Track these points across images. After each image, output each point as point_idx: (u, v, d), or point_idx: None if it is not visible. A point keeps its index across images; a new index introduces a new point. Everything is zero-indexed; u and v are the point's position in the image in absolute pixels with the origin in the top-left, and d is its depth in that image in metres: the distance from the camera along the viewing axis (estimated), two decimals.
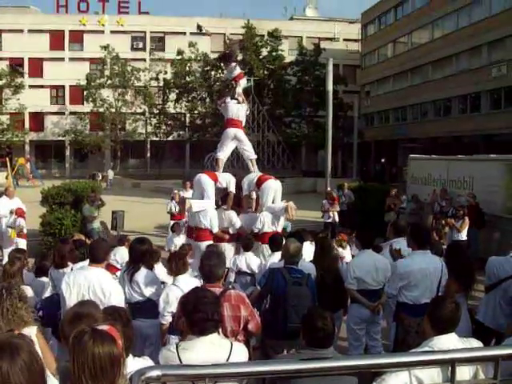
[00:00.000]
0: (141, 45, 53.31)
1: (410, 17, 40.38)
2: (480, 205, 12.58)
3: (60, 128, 50.38)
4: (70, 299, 4.56)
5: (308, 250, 6.94)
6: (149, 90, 47.06)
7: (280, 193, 9.22)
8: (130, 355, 3.01)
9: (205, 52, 44.57)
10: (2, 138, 44.84)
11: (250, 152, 9.87)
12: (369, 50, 48.20)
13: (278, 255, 6.50)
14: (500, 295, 5.52)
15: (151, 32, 53.11)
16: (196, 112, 46.04)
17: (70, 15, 51.74)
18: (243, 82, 10.24)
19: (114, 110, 47.16)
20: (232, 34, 49.29)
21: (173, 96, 45.73)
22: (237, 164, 18.08)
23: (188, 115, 47.85)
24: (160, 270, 6.18)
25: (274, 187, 9.11)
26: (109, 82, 46.27)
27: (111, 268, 6.38)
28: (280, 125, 42.40)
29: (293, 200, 9.30)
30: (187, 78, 44.63)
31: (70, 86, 50.55)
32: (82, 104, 49.09)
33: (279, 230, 9.02)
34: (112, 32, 51.59)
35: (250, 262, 7.05)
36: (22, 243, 11.17)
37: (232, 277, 6.89)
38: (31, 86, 48.95)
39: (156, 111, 47.64)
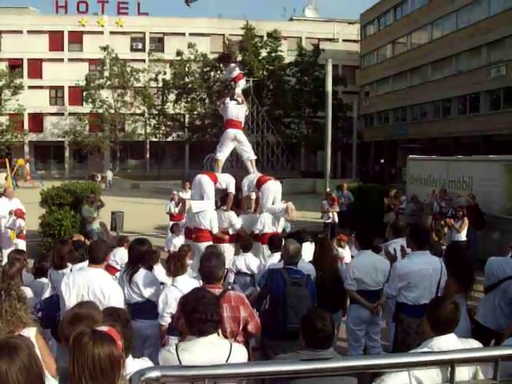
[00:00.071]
0: (140, 46, 53.32)
1: (409, 17, 40.41)
2: (479, 205, 12.58)
3: (59, 129, 50.39)
4: (70, 300, 4.56)
5: (308, 250, 6.94)
6: (148, 91, 47.06)
7: (280, 194, 9.23)
8: (130, 356, 3.01)
9: (204, 53, 44.58)
10: (1, 139, 44.83)
11: (249, 153, 9.87)
12: (368, 50, 48.23)
13: (277, 256, 6.50)
14: (499, 296, 5.51)
15: (150, 33, 53.11)
16: (195, 113, 46.08)
17: (69, 16, 51.71)
18: (242, 83, 10.25)
19: (113, 111, 47.18)
20: (231, 34, 49.32)
21: (172, 97, 45.77)
22: (236, 165, 18.04)
23: (187, 116, 47.86)
24: (159, 270, 6.18)
25: (274, 188, 9.12)
26: (108, 82, 46.29)
27: (111, 269, 6.38)
28: (279, 125, 42.41)
29: (292, 201, 9.30)
30: (186, 79, 44.66)
31: (70, 86, 50.55)
32: (82, 105, 49.07)
33: (279, 230, 9.03)
34: (111, 33, 51.61)
35: (250, 262, 7.06)
36: (22, 244, 11.17)
37: (231, 277, 6.89)
38: (30, 87, 48.94)
39: (155, 112, 47.63)
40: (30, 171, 39.27)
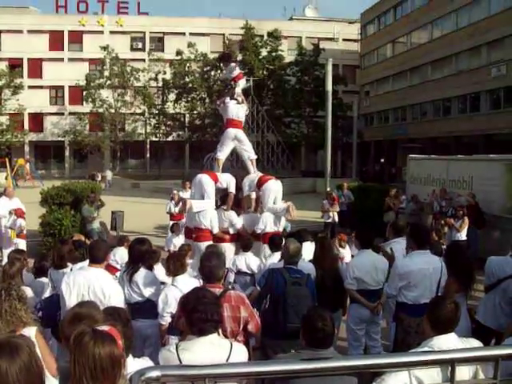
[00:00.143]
0: (140, 45, 53.32)
1: (409, 17, 40.40)
2: (480, 204, 12.58)
3: (59, 128, 50.39)
4: (70, 300, 4.57)
5: (308, 249, 6.94)
6: (148, 91, 47.07)
7: (281, 193, 9.23)
8: (130, 355, 3.01)
9: (204, 52, 44.57)
10: (1, 139, 44.82)
11: (250, 152, 9.87)
12: (368, 50, 48.22)
13: (277, 255, 6.51)
14: (499, 295, 5.51)
15: (150, 32, 53.11)
16: (195, 112, 46.06)
17: (69, 16, 51.71)
18: (242, 83, 10.23)
19: (113, 111, 47.21)
20: (231, 34, 49.31)
21: (172, 96, 45.76)
22: (236, 164, 18.04)
23: (187, 115, 47.85)
24: (160, 270, 6.18)
25: (275, 188, 9.12)
26: (108, 82, 46.31)
27: (111, 268, 6.38)
28: (279, 125, 42.39)
29: (292, 200, 9.31)
30: (186, 79, 44.65)
31: (70, 86, 50.56)
32: (82, 104, 49.07)
33: (281, 230, 9.05)
34: (111, 32, 51.61)
35: (250, 262, 7.06)
36: (22, 244, 11.17)
37: (231, 277, 6.88)
38: (30, 87, 48.94)
39: (155, 111, 47.64)
40: (30, 171, 39.28)
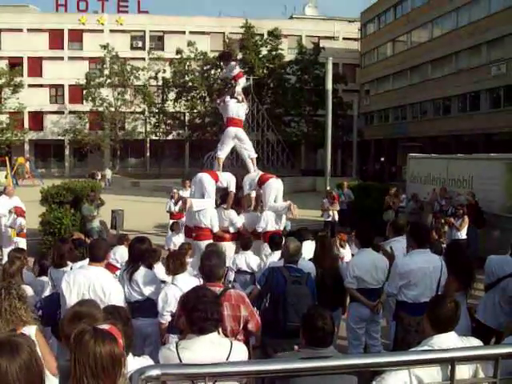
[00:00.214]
0: (140, 44, 53.31)
1: (409, 16, 40.40)
2: (479, 204, 12.59)
3: (59, 127, 50.38)
4: (70, 298, 4.57)
5: (309, 248, 6.95)
6: (148, 89, 47.07)
7: (281, 192, 9.23)
8: (130, 354, 3.01)
9: (204, 51, 44.55)
10: (1, 138, 44.82)
11: (250, 151, 9.85)
12: (368, 48, 48.22)
13: (277, 254, 6.51)
14: (499, 294, 5.52)
15: (150, 31, 53.10)
16: (195, 111, 46.04)
17: (69, 14, 51.69)
18: (242, 81, 10.22)
19: (113, 109, 47.22)
20: (231, 33, 49.29)
21: (172, 95, 45.73)
22: (236, 163, 18.03)
23: (187, 114, 47.84)
24: (160, 269, 6.18)
25: (275, 186, 9.11)
26: (108, 81, 46.31)
27: (111, 267, 6.38)
28: (279, 124, 42.36)
29: (292, 199, 9.30)
30: (186, 77, 44.62)
31: (70, 85, 50.57)
32: (82, 103, 49.08)
33: (281, 228, 9.05)
34: (111, 31, 51.60)
35: (250, 260, 7.06)
36: (22, 243, 11.17)
37: (231, 276, 6.88)
38: (30, 85, 48.96)
39: (155, 110, 47.63)
40: (30, 170, 39.28)
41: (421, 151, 30.05)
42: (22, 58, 50.63)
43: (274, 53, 44.76)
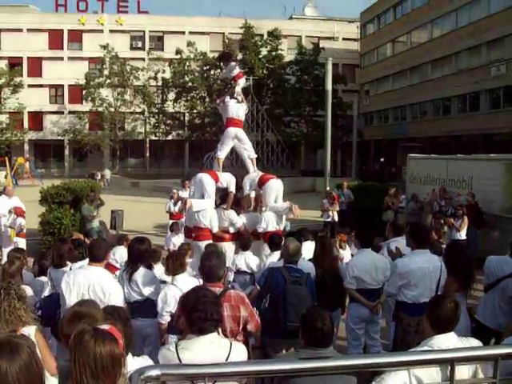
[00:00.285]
0: (140, 44, 53.28)
1: (409, 16, 40.40)
2: (479, 204, 12.59)
3: (59, 127, 50.33)
4: (70, 298, 4.57)
5: (309, 248, 6.95)
6: (148, 90, 47.06)
7: (282, 192, 9.24)
8: (130, 354, 3.01)
9: (204, 51, 44.55)
10: (1, 138, 44.81)
11: (250, 151, 9.86)
12: (368, 49, 48.22)
13: (277, 254, 6.51)
14: (498, 294, 5.52)
15: (150, 31, 53.07)
16: (195, 111, 46.03)
17: (68, 14, 51.65)
18: (242, 82, 10.22)
19: (113, 110, 47.19)
20: (231, 33, 49.27)
21: (172, 95, 45.73)
22: (236, 164, 18.07)
23: (187, 114, 47.83)
24: (161, 269, 6.18)
25: (276, 186, 9.13)
26: (108, 81, 46.28)
27: (111, 267, 6.38)
28: (279, 124, 42.36)
29: (292, 199, 9.32)
30: (186, 78, 44.62)
31: (69, 85, 50.53)
32: (81, 103, 49.03)
33: (282, 229, 9.07)
34: (111, 31, 51.56)
35: (249, 261, 7.06)
36: (22, 243, 11.17)
37: (231, 276, 6.88)
38: (30, 86, 48.90)
39: (155, 110, 47.61)
40: (29, 170, 39.27)
41: (420, 152, 30.06)
42: (21, 58, 50.59)
43: (273, 53, 44.77)
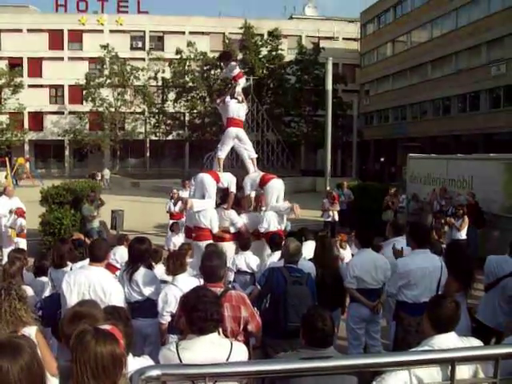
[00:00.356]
0: (140, 44, 53.30)
1: (409, 16, 40.39)
2: (479, 204, 12.59)
3: (59, 128, 50.36)
4: (71, 298, 4.57)
5: (310, 248, 6.95)
6: (148, 90, 47.08)
7: (283, 192, 9.24)
8: (130, 354, 3.01)
9: (204, 51, 44.55)
10: (1, 138, 44.84)
11: (250, 151, 9.86)
12: (368, 49, 48.21)
13: (277, 254, 6.50)
14: (498, 294, 5.53)
15: (150, 31, 53.09)
16: (195, 111, 46.04)
17: (69, 14, 51.67)
18: (243, 82, 10.22)
19: (113, 110, 47.19)
20: (231, 33, 49.27)
21: (172, 95, 45.73)
22: (236, 164, 18.08)
23: (187, 114, 47.83)
24: (161, 269, 6.19)
25: (278, 186, 9.13)
26: (108, 81, 46.29)
27: (111, 267, 6.38)
28: (279, 124, 42.39)
29: (292, 199, 9.32)
30: (186, 78, 44.62)
31: (70, 85, 50.57)
32: (82, 103, 49.05)
33: (283, 228, 9.07)
34: (111, 31, 51.58)
35: (250, 261, 7.06)
36: (23, 243, 11.18)
37: (231, 276, 6.88)
38: (30, 86, 48.92)
39: (155, 110, 47.62)
40: (29, 170, 39.27)
41: (420, 151, 30.05)
42: (21, 58, 50.62)
43: (273, 53, 44.78)
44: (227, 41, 47.08)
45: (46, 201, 13.58)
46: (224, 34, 50.23)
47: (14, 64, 48.90)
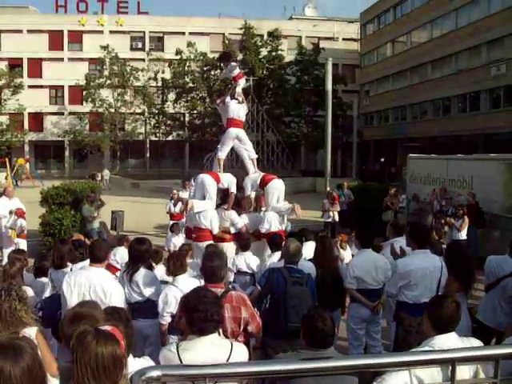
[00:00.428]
0: (140, 45, 53.28)
1: (409, 16, 40.38)
2: (480, 204, 12.59)
3: (59, 128, 50.39)
4: (71, 299, 4.57)
5: (311, 248, 6.95)
6: (148, 90, 47.09)
7: (283, 192, 9.26)
8: (131, 355, 3.01)
9: (204, 52, 44.57)
10: (1, 139, 44.86)
11: (251, 152, 9.87)
12: (368, 49, 48.20)
13: (277, 255, 6.50)
14: (499, 294, 5.52)
15: (150, 32, 53.08)
16: (195, 112, 46.04)
17: (68, 15, 51.67)
18: (243, 82, 10.23)
19: (113, 110, 47.21)
20: (231, 33, 49.27)
21: (172, 96, 45.74)
22: (236, 164, 18.11)
23: (187, 115, 47.84)
24: (162, 270, 6.19)
25: (279, 187, 9.15)
26: (108, 82, 46.31)
27: (111, 268, 6.38)
28: (279, 124, 42.40)
29: (292, 200, 9.33)
30: (186, 78, 44.63)
31: (70, 86, 50.56)
32: (82, 104, 49.05)
33: (284, 229, 9.08)
34: (111, 32, 51.57)
35: (250, 261, 7.06)
36: (23, 244, 11.17)
37: (231, 277, 6.88)
38: (30, 87, 48.91)
39: (155, 111, 47.63)
40: (29, 171, 39.27)
41: (421, 151, 30.06)
42: (21, 59, 50.61)
43: (273, 53, 44.78)
44: (227, 41, 47.07)
45: (46, 201, 13.59)
46: (224, 34, 50.22)
47: (14, 65, 48.91)
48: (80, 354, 2.13)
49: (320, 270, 6.06)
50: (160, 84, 46.32)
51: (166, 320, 4.99)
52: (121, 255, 7.31)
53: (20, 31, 50.23)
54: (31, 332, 3.55)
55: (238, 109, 9.51)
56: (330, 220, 15.37)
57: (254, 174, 9.54)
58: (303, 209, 9.56)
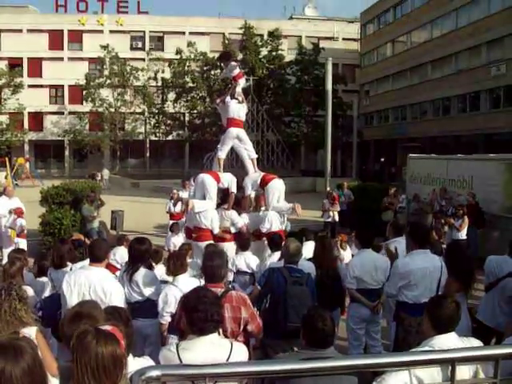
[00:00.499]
0: (140, 44, 53.26)
1: (409, 16, 40.38)
2: (479, 204, 12.59)
3: (59, 128, 50.39)
4: (71, 299, 4.57)
5: (311, 248, 6.95)
6: (148, 90, 47.08)
7: (283, 192, 9.26)
8: (131, 355, 3.01)
9: (204, 52, 44.56)
10: (1, 138, 44.85)
11: (251, 151, 9.87)
12: (368, 49, 48.20)
13: (277, 255, 6.51)
14: (498, 294, 5.53)
15: (150, 32, 53.07)
16: (195, 111, 46.03)
17: (68, 15, 51.65)
18: (243, 82, 10.23)
19: (113, 110, 47.20)
20: (231, 33, 49.27)
21: (172, 96, 45.73)
22: (236, 164, 18.08)
23: (187, 115, 47.83)
24: (162, 270, 6.19)
25: (279, 186, 9.15)
26: (108, 81, 46.30)
27: (111, 268, 6.38)
28: (279, 124, 42.39)
29: (292, 200, 9.33)
30: (186, 78, 44.61)
31: (69, 85, 50.56)
32: (82, 104, 49.04)
33: (284, 229, 9.09)
34: (111, 32, 51.56)
35: (249, 261, 7.06)
36: (23, 243, 11.17)
37: (230, 276, 6.88)
38: (30, 86, 48.90)
39: (155, 111, 47.62)
40: (29, 170, 39.26)
41: (420, 151, 30.06)
42: (21, 58, 50.58)
43: (273, 53, 44.77)
44: (227, 41, 47.05)
45: (45, 201, 13.59)
46: (224, 34, 50.19)
47: (14, 64, 48.86)
48: (80, 353, 2.13)
49: (319, 270, 6.06)
50: (160, 84, 46.28)
51: (166, 320, 5.00)
52: (121, 255, 7.31)
53: (20, 31, 50.22)
54: (31, 332, 3.55)
55: (238, 108, 9.51)
56: (329, 220, 15.37)
57: (254, 174, 9.54)
58: (303, 209, 9.57)
